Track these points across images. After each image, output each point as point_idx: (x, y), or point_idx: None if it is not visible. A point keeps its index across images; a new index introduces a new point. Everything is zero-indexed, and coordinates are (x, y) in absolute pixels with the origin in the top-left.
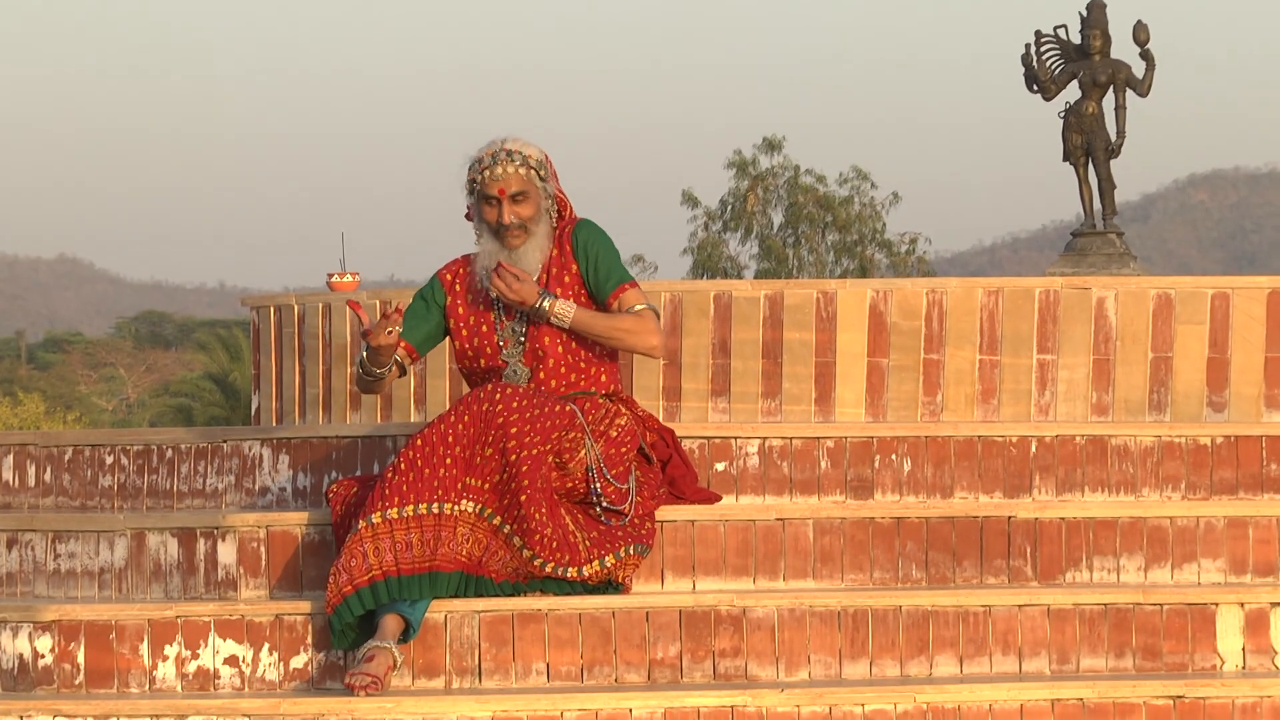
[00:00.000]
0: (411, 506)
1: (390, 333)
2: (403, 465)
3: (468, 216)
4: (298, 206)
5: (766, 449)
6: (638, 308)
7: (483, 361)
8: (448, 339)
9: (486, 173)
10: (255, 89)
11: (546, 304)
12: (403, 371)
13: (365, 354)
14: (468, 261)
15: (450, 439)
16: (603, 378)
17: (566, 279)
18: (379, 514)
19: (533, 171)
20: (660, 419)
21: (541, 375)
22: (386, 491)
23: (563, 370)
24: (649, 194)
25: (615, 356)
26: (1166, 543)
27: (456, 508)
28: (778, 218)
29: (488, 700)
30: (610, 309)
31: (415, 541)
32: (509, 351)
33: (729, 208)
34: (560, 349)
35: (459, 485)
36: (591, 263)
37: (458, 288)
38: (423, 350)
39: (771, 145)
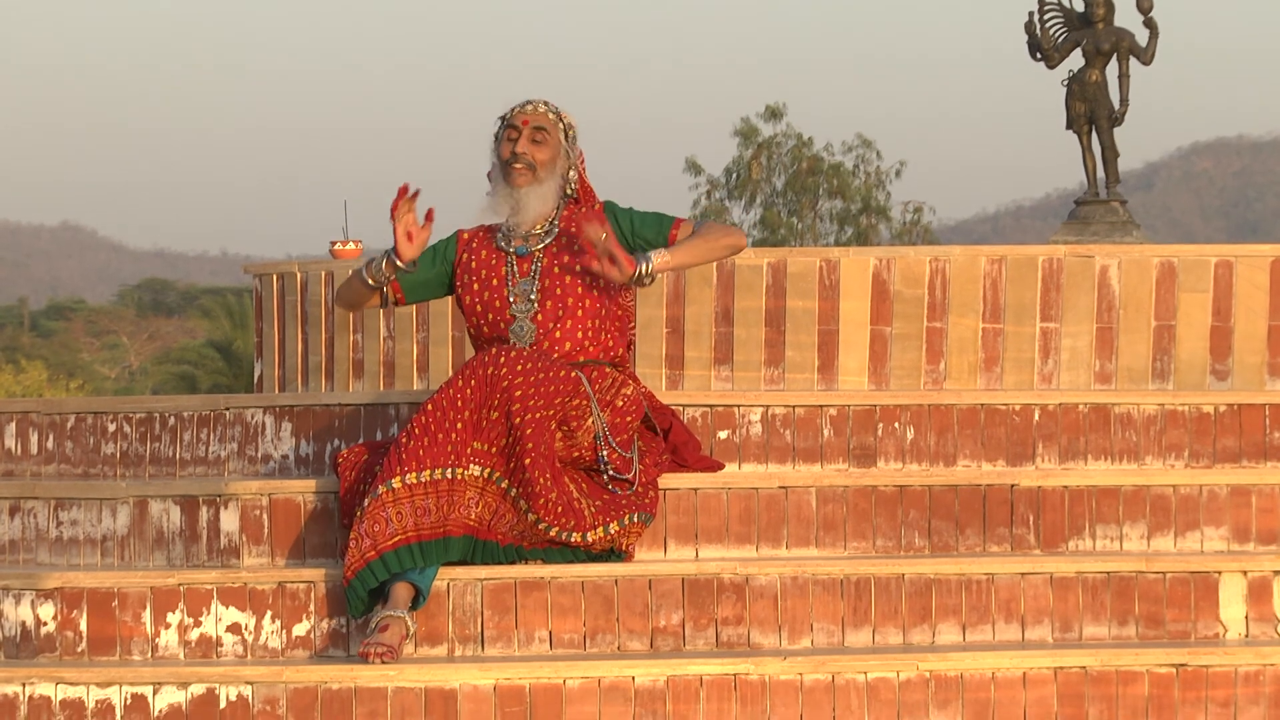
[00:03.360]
0: (428, 472)
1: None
2: (416, 430)
3: (490, 175)
4: (301, 174)
5: (769, 417)
6: (699, 228)
7: (491, 315)
8: (452, 299)
9: (515, 108)
10: (259, 56)
11: (646, 266)
12: (384, 302)
13: (383, 259)
14: (490, 229)
15: (459, 403)
16: (610, 342)
17: (592, 251)
18: (398, 479)
19: (560, 124)
20: (663, 387)
21: (558, 335)
22: (403, 456)
23: (579, 334)
24: (652, 161)
25: (625, 327)
26: (1169, 511)
27: (466, 473)
28: (780, 186)
29: (490, 668)
30: (676, 243)
31: (432, 507)
32: (517, 308)
33: (733, 176)
34: (580, 313)
35: (468, 450)
36: (638, 224)
37: (474, 245)
38: (410, 295)
39: (773, 113)
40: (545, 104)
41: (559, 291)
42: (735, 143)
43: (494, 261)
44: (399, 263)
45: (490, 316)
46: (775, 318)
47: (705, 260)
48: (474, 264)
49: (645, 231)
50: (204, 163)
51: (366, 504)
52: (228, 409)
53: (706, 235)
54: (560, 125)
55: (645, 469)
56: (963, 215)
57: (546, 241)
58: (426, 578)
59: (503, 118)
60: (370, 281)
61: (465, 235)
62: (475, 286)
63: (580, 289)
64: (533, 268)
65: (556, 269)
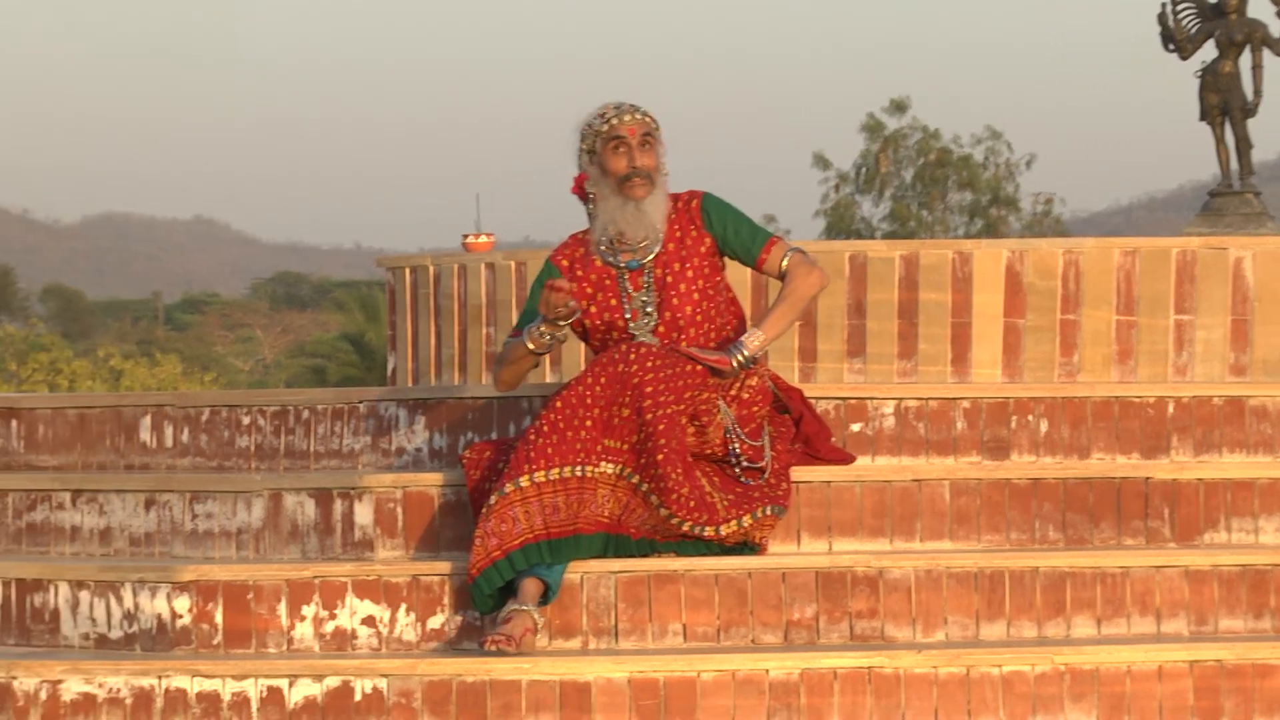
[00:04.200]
0: (557, 470)
1: (568, 306)
2: (545, 428)
3: (576, 190)
4: (434, 167)
5: (902, 410)
6: (785, 263)
7: (614, 334)
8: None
9: (614, 120)
10: (396, 51)
11: (742, 356)
12: (535, 363)
13: (537, 329)
14: (579, 242)
15: (589, 401)
16: (733, 339)
17: (699, 257)
18: (526, 477)
19: (654, 125)
20: (796, 380)
21: (683, 346)
22: (531, 454)
23: (702, 342)
24: (780, 157)
25: (741, 319)
26: None
27: (596, 470)
28: (908, 179)
29: (624, 661)
30: (764, 266)
31: (561, 504)
32: (637, 324)
33: (861, 170)
34: (700, 319)
35: (598, 447)
36: (731, 231)
37: (578, 272)
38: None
39: (899, 107)
40: (632, 107)
41: (675, 301)
42: (862, 137)
43: (606, 281)
44: (572, 312)
45: (613, 335)
46: (908, 310)
47: (797, 320)
48: (587, 288)
49: (736, 242)
50: (337, 156)
51: (493, 501)
52: (361, 402)
53: (792, 295)
54: (653, 123)
55: (778, 455)
56: (1095, 207)
57: (655, 251)
58: (555, 574)
59: (597, 130)
60: (540, 350)
61: (564, 263)
62: (593, 309)
63: (696, 295)
64: (645, 279)
65: (669, 279)
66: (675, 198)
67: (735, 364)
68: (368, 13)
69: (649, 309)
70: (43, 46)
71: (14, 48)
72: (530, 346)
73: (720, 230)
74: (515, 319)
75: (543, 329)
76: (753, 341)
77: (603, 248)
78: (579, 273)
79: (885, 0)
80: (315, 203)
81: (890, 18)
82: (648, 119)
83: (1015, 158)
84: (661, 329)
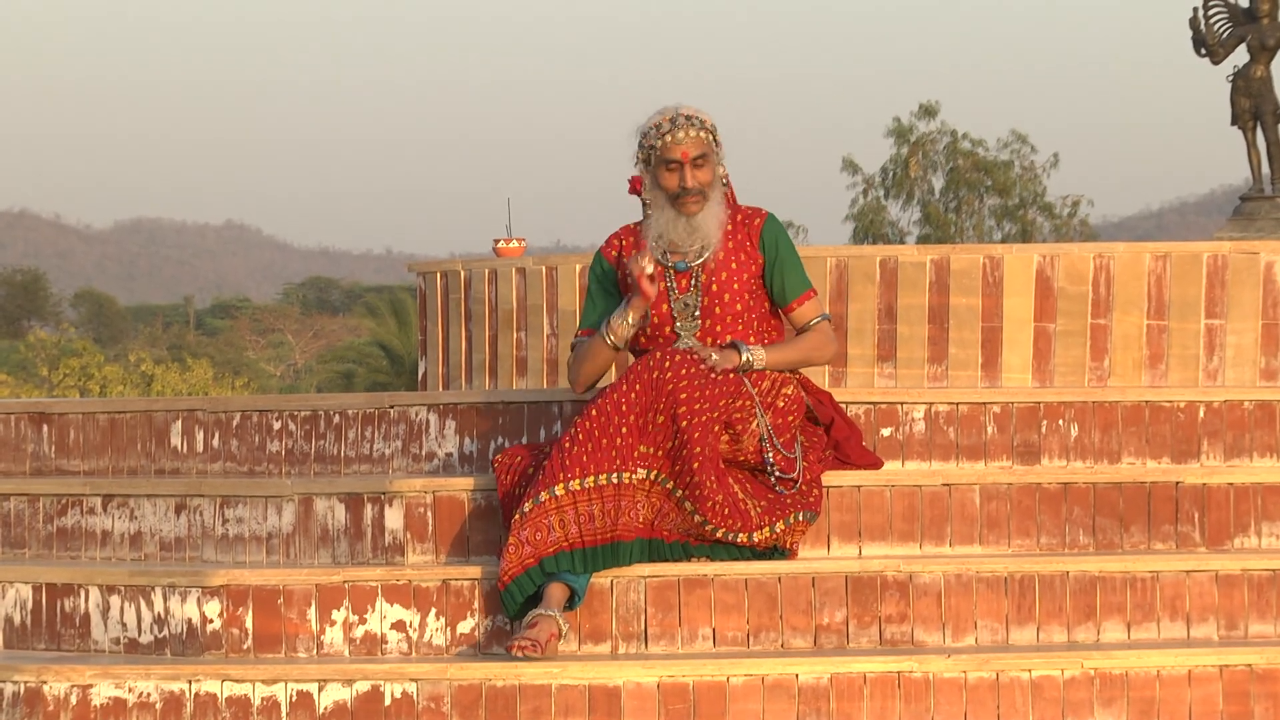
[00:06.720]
0: (592, 478)
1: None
2: (580, 435)
3: (633, 190)
4: (464, 173)
5: (933, 414)
6: (814, 321)
7: (649, 329)
8: None
9: (668, 137)
10: (420, 55)
11: (747, 357)
12: (614, 359)
13: (624, 322)
14: (631, 231)
15: (624, 408)
16: None
17: (749, 273)
18: (561, 485)
19: (710, 136)
20: (826, 384)
21: (693, 343)
22: (566, 462)
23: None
24: (808, 161)
25: (782, 331)
26: None
27: (633, 477)
28: (938, 184)
29: (654, 665)
30: (791, 313)
31: (597, 513)
32: (682, 324)
33: (890, 175)
34: (741, 327)
35: (634, 454)
36: (778, 266)
37: (625, 261)
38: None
39: (928, 111)
40: (687, 121)
41: (718, 310)
42: (889, 142)
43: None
44: (640, 307)
45: (649, 330)
46: (939, 315)
47: (796, 366)
48: (632, 280)
49: (777, 278)
50: (368, 161)
51: (528, 509)
52: (392, 407)
53: (806, 346)
54: (708, 135)
55: (809, 465)
56: (1127, 212)
57: (706, 256)
58: (582, 580)
59: (652, 146)
60: (620, 343)
61: (613, 254)
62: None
63: (739, 306)
64: (692, 282)
65: (715, 286)
66: (739, 210)
67: (747, 359)
68: (394, 25)
69: (695, 313)
70: (76, 55)
71: (49, 55)
72: (611, 340)
73: (771, 256)
74: (576, 320)
75: (629, 316)
76: (753, 353)
77: (652, 245)
78: (625, 261)
79: (914, 5)
80: (346, 208)
81: (919, 21)
82: (702, 135)
83: (1040, 159)
84: (700, 332)
